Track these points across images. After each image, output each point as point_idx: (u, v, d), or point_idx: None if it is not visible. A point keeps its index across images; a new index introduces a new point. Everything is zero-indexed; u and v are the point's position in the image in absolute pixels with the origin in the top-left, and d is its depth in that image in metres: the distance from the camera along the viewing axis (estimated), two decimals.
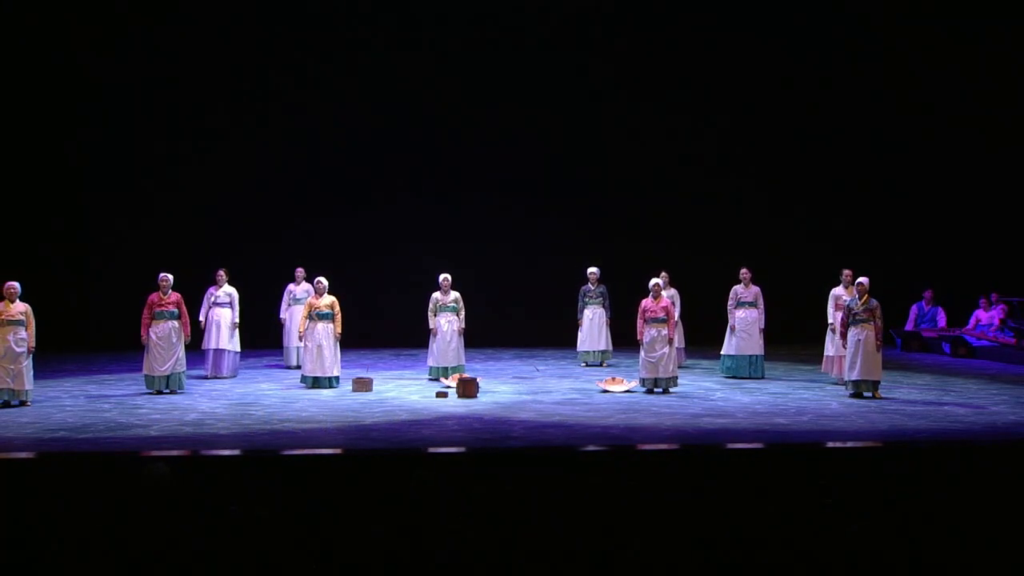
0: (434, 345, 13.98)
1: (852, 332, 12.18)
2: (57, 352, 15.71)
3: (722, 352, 14.22)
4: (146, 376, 12.77)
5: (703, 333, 15.86)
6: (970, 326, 17.27)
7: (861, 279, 12.33)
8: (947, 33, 18.68)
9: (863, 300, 12.22)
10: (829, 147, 19.21)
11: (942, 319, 17.93)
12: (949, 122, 18.85)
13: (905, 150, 19.10)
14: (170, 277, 12.96)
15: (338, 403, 11.96)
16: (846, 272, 13.32)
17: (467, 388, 12.37)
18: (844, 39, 18.91)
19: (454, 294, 14.12)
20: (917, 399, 12.14)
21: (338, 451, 9.14)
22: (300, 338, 13.45)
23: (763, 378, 13.84)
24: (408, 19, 18.74)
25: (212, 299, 14.34)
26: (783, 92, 19.05)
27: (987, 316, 17.11)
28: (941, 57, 18.84)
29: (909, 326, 18.05)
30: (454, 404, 11.90)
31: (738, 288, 14.13)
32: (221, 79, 18.28)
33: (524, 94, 18.70)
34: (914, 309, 18.12)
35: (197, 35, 18.16)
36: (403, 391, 12.97)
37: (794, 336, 16.39)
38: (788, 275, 17.08)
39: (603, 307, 15.47)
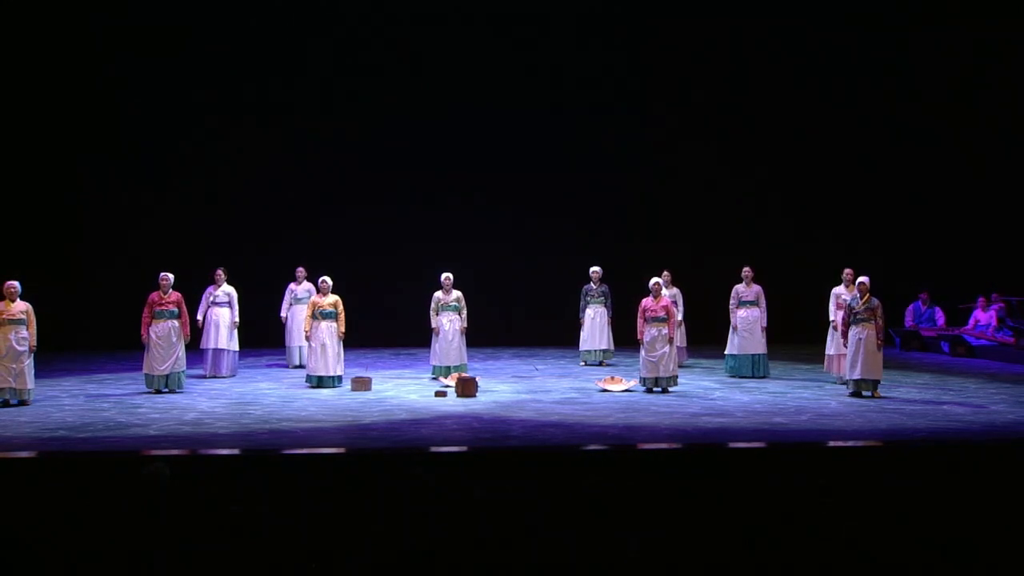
0: (436, 344, 13.99)
1: (853, 331, 12.20)
2: (57, 351, 15.68)
3: (726, 352, 14.23)
4: (146, 375, 12.77)
5: (705, 332, 15.87)
6: (969, 326, 17.29)
7: (862, 278, 12.35)
8: (947, 34, 18.69)
9: (864, 299, 12.23)
10: (831, 147, 19.20)
11: (941, 318, 17.95)
12: (949, 122, 18.87)
13: (905, 150, 19.10)
14: (170, 276, 12.96)
15: (337, 402, 11.95)
16: (847, 271, 13.34)
17: (466, 387, 12.38)
18: (846, 40, 18.90)
19: (456, 293, 14.13)
20: (916, 398, 12.15)
21: (337, 450, 9.13)
22: (308, 339, 13.45)
23: (767, 376, 13.86)
24: (408, 19, 18.72)
25: (211, 298, 14.34)
26: (785, 92, 19.04)
27: (986, 316, 17.14)
28: (940, 58, 18.86)
29: (908, 325, 18.07)
30: (453, 403, 11.90)
31: (739, 287, 14.14)
32: (221, 78, 18.26)
33: (524, 94, 18.69)
34: (910, 309, 18.14)
35: (197, 35, 18.15)
36: (402, 390, 12.97)
37: (795, 335, 16.41)
38: (789, 274, 17.09)
39: (605, 306, 15.47)
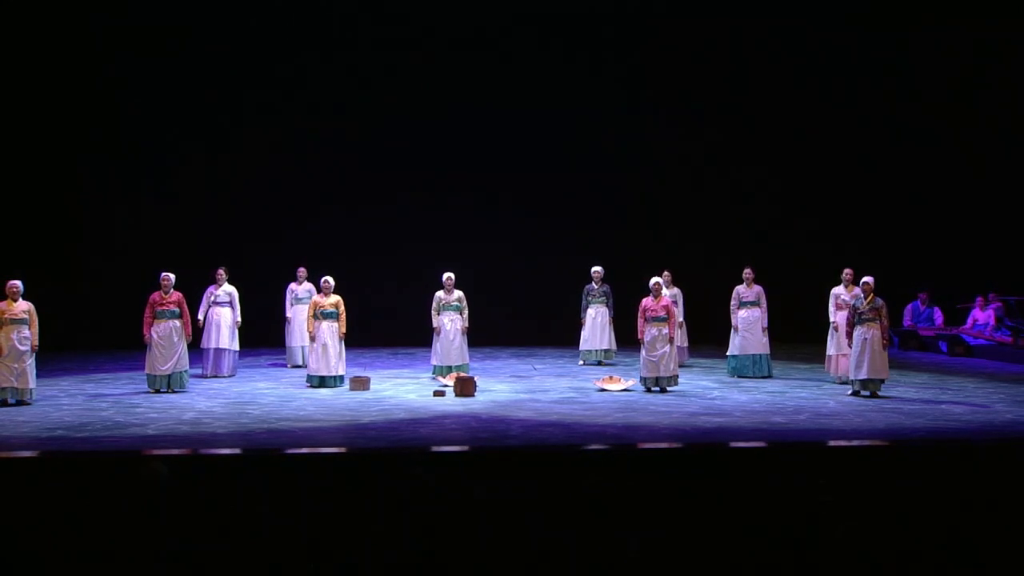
0: (438, 344, 14.00)
1: (858, 331, 12.17)
2: (56, 351, 15.67)
3: (728, 353, 14.24)
4: (148, 375, 12.77)
5: (706, 333, 15.88)
6: (967, 325, 17.30)
7: (866, 278, 12.33)
8: (947, 34, 18.68)
9: (869, 299, 12.22)
10: (831, 147, 19.19)
11: (939, 318, 17.96)
12: (949, 122, 18.85)
13: (905, 150, 19.09)
14: (172, 276, 12.97)
15: (335, 402, 11.96)
16: (846, 271, 13.39)
17: (464, 387, 12.38)
18: (846, 40, 18.89)
19: (458, 293, 14.13)
20: (914, 397, 12.17)
21: (335, 450, 9.13)
22: (312, 339, 13.43)
23: (769, 376, 13.86)
24: (408, 18, 18.72)
25: (212, 298, 14.34)
26: (785, 91, 19.03)
27: (984, 315, 17.14)
28: (940, 58, 18.86)
29: (906, 324, 18.08)
30: (451, 403, 11.91)
31: (740, 288, 14.16)
32: (221, 79, 18.27)
33: (525, 93, 18.68)
34: (909, 309, 18.15)
35: (197, 35, 18.16)
36: (400, 390, 12.98)
37: (794, 335, 16.42)
38: (790, 274, 17.10)
39: (606, 306, 15.47)
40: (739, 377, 13.92)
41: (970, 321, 17.33)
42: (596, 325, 15.44)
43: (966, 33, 18.68)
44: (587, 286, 15.60)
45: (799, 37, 18.84)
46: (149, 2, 18.15)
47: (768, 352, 14.05)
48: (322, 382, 13.14)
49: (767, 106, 19.07)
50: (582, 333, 15.55)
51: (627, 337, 14.38)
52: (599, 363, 15.41)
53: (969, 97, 19.04)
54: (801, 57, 18.96)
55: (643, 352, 12.75)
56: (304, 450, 9.07)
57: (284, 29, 18.47)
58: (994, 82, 19.01)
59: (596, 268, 15.57)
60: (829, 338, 13.53)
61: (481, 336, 16.34)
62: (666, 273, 14.72)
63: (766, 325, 13.99)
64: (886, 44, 18.98)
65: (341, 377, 13.27)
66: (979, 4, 18.42)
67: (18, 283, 11.86)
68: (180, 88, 18.28)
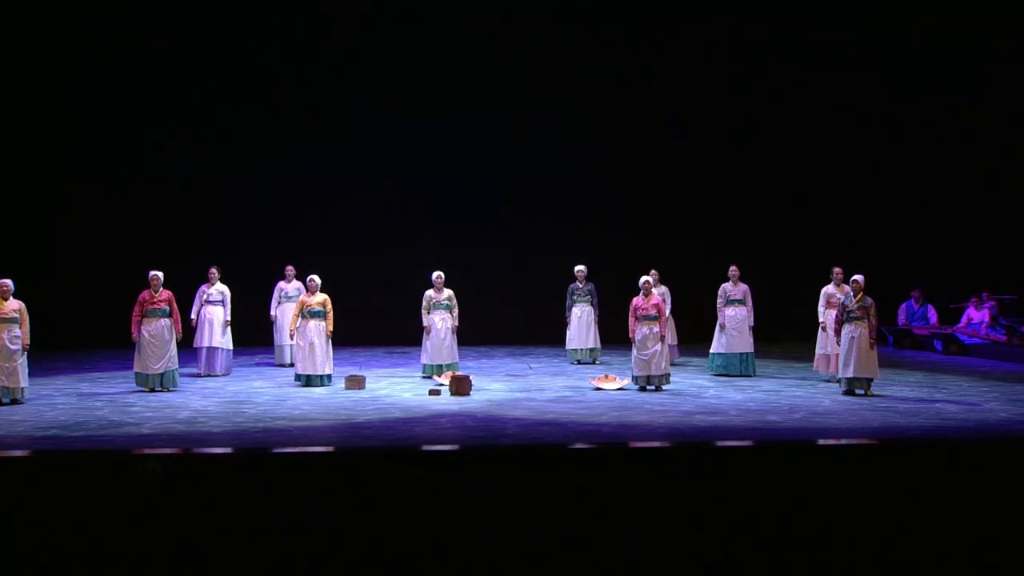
0: (427, 343, 13.99)
1: (846, 329, 12.18)
2: (51, 350, 15.67)
3: (711, 350, 14.21)
4: (137, 374, 12.76)
5: (695, 331, 15.87)
6: (962, 324, 17.30)
7: (856, 277, 12.33)
8: (947, 34, 18.68)
9: (858, 298, 12.22)
10: (822, 145, 19.18)
11: (934, 316, 17.97)
12: (949, 123, 18.84)
13: (900, 149, 19.09)
14: (160, 275, 12.95)
15: (331, 401, 11.96)
16: (836, 270, 13.38)
17: (460, 386, 12.38)
18: (842, 39, 18.88)
19: (447, 291, 14.13)
20: (909, 396, 12.16)
21: (331, 449, 9.14)
22: (292, 336, 13.44)
23: (754, 375, 13.86)
24: (406, 17, 18.70)
25: (204, 297, 14.33)
26: (778, 90, 19.02)
27: (979, 314, 17.14)
28: (940, 58, 18.86)
29: (900, 323, 18.09)
30: (447, 402, 11.91)
31: (727, 286, 14.14)
32: (216, 75, 18.24)
33: (519, 93, 18.66)
34: (903, 307, 18.15)
35: (194, 30, 18.13)
36: (396, 389, 12.98)
37: (786, 334, 16.40)
38: (779, 273, 17.10)
39: (591, 305, 15.46)
40: (724, 375, 13.89)
41: (964, 320, 17.32)
42: (581, 324, 15.42)
43: (966, 33, 18.65)
44: (571, 285, 15.57)
45: (799, 37, 18.81)
46: (149, 2, 18.12)
47: (753, 351, 14.04)
48: (308, 381, 13.13)
49: (766, 106, 19.04)
50: (567, 332, 15.54)
51: (616, 336, 14.36)
52: (594, 362, 15.39)
53: (969, 97, 19.02)
54: (801, 57, 18.93)
55: (634, 351, 12.75)
56: (299, 449, 9.07)
57: (282, 29, 18.44)
58: (994, 82, 18.99)
59: (580, 267, 15.56)
60: (819, 337, 13.50)
61: (477, 335, 16.35)
62: (653, 272, 14.66)
63: (752, 323, 13.97)
64: (886, 44, 18.95)
65: (328, 376, 13.26)
66: (979, 4, 18.41)
67: (8, 282, 11.85)
68: (178, 88, 18.24)
